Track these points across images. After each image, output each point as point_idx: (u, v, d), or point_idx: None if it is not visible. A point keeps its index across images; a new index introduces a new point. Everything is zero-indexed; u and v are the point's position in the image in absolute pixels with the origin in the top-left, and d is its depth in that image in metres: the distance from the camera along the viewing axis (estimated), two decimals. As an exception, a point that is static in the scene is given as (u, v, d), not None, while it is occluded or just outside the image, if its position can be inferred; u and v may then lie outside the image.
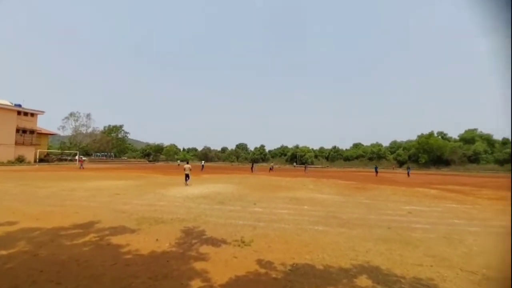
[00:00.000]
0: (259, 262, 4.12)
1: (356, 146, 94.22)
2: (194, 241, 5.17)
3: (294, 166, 72.75)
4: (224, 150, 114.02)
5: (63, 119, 60.11)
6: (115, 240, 5.09)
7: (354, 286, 3.40)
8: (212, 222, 6.80)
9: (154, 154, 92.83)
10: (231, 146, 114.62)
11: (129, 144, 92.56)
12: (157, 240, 5.14)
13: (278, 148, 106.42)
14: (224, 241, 5.18)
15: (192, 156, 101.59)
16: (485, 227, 6.98)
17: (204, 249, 4.71)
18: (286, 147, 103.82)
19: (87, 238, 5.15)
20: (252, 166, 36.36)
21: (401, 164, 73.33)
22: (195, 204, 9.29)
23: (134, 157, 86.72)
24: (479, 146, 68.98)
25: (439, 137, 76.10)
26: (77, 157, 49.64)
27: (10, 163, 36.35)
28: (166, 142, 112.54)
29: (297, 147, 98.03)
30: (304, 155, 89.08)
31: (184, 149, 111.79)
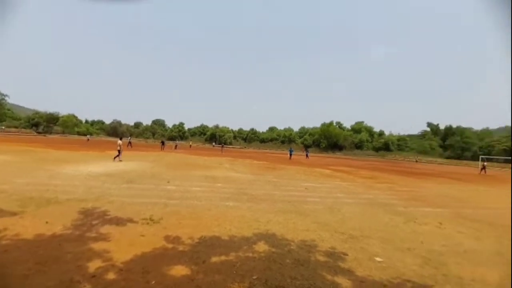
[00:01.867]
0: (167, 238, 4.20)
1: (272, 129, 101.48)
2: (94, 222, 4.77)
3: (213, 146, 73.04)
4: (137, 125, 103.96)
5: None
6: (-15, 226, 4.19)
7: (253, 250, 3.93)
8: (118, 201, 6.35)
9: (46, 125, 76.45)
10: (147, 121, 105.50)
11: (8, 110, 72.92)
12: (47, 222, 4.50)
13: (198, 127, 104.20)
14: (131, 220, 4.99)
15: (97, 129, 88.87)
16: (358, 199, 8.93)
17: (107, 229, 4.44)
18: (206, 126, 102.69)
19: None
20: (163, 144, 34.95)
21: (306, 147, 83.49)
22: (98, 183, 8.39)
23: (16, 127, 69.36)
24: (364, 135, 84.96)
25: (337, 126, 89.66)
26: None
27: None
28: (62, 111, 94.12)
29: (217, 127, 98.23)
30: (224, 135, 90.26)
31: (87, 121, 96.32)
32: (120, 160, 15.63)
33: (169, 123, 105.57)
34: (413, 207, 8.23)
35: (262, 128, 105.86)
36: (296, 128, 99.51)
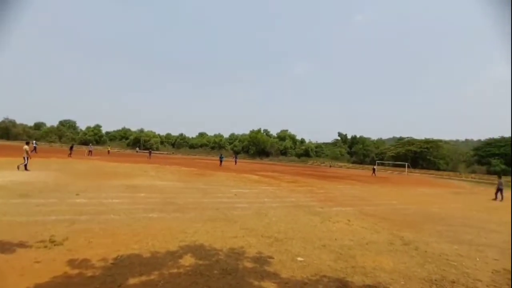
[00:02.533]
0: (72, 262, 3.54)
1: (201, 135, 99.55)
2: (-36, 251, 3.67)
3: (137, 152, 66.72)
4: (39, 126, 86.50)
5: None
6: None
7: (178, 265, 3.69)
8: (4, 221, 5.08)
9: None
10: (51, 122, 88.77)
11: None
12: None
13: (118, 130, 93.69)
14: (22, 244, 4.04)
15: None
16: (282, 202, 9.51)
17: (-16, 259, 3.47)
18: (129, 130, 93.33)
19: None
20: (71, 149, 29.25)
21: (236, 154, 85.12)
22: (-28, 200, 6.54)
23: None
24: (288, 143, 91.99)
25: (265, 133, 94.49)
26: None
27: None
28: None
29: (141, 131, 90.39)
30: (149, 140, 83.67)
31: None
32: (28, 170, 13.11)
33: (82, 125, 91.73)
34: (328, 207, 9.27)
35: (191, 133, 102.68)
36: (226, 135, 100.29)
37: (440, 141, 70.18)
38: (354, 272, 3.88)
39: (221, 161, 31.39)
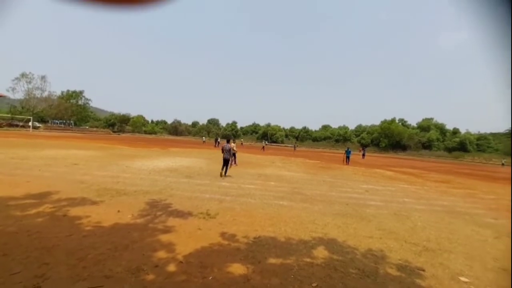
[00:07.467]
0: (223, 234, 4.21)
1: (325, 127, 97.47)
2: (158, 213, 5.09)
3: (265, 144, 73.77)
4: (195, 124, 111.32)
5: (13, 80, 53.52)
6: (73, 211, 4.82)
7: (312, 256, 3.64)
8: (178, 195, 6.72)
9: (119, 125, 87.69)
10: (203, 120, 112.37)
11: (91, 112, 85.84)
12: (118, 211, 4.97)
13: (250, 126, 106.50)
14: (190, 214, 5.18)
15: (161, 129, 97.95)
16: (430, 206, 7.80)
17: (169, 221, 4.67)
18: (258, 125, 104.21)
19: (40, 209, 4.81)
20: (217, 141, 37.55)
21: (364, 146, 77.78)
22: (161, 177, 9.08)
23: (97, 127, 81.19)
24: (433, 134, 75.26)
25: (400, 123, 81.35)
26: (30, 123, 45.41)
27: None
28: (132, 112, 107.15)
29: (268, 125, 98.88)
30: (275, 133, 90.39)
31: (152, 121, 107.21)
32: (236, 165, 14.04)
33: (223, 122, 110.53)
34: (506, 219, 6.81)
35: (314, 126, 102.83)
36: (352, 126, 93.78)
37: None
38: None
39: (347, 157, 22.71)
